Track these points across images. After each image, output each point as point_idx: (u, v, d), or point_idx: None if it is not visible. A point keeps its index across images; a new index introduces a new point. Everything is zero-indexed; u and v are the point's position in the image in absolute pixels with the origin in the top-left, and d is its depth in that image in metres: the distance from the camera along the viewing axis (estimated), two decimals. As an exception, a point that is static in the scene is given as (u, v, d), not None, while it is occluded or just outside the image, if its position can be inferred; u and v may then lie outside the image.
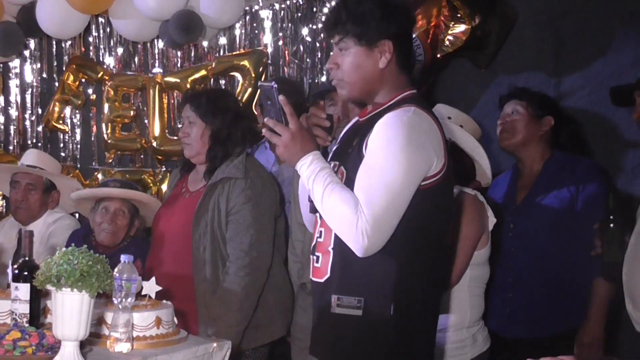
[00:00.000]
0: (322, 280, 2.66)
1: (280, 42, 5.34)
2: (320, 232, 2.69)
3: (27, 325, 2.65)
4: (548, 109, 3.97)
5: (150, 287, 2.72)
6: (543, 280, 3.78)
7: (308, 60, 5.29)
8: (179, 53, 5.53)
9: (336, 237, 2.59)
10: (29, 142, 5.76)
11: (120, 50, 5.61)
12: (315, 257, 2.70)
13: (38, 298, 2.73)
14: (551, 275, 3.77)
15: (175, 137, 5.22)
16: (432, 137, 2.55)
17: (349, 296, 2.58)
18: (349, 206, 2.48)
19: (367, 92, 2.68)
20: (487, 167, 3.54)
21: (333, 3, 5.08)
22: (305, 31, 5.27)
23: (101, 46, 5.63)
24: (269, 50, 5.35)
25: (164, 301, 2.81)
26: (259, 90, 5.12)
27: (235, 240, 3.61)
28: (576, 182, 3.77)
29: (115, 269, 2.52)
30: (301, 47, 5.29)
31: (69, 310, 2.33)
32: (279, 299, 3.80)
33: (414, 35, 4.67)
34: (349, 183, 2.56)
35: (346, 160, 2.66)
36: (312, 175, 2.57)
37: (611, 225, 3.34)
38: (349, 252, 2.54)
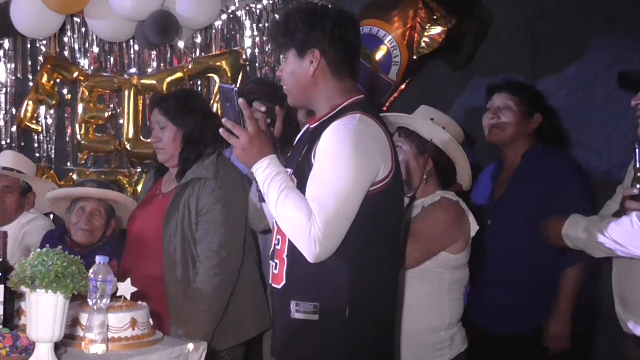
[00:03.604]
0: (279, 287, 2.73)
1: (257, 41, 5.34)
2: (278, 239, 2.75)
3: (0, 327, 2.63)
4: (537, 105, 3.98)
5: (126, 288, 2.71)
6: (525, 275, 3.80)
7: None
8: (154, 54, 5.50)
9: (289, 243, 2.66)
10: (3, 142, 5.70)
11: (95, 51, 5.58)
12: (274, 264, 2.77)
13: (12, 299, 2.70)
14: (533, 269, 3.79)
15: (149, 140, 5.19)
16: (379, 143, 2.63)
17: (306, 302, 2.65)
18: (303, 214, 2.54)
19: (304, 98, 2.79)
20: (468, 170, 3.54)
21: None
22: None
23: (76, 46, 5.60)
24: (246, 50, 5.34)
25: (139, 302, 2.79)
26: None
27: (205, 240, 3.60)
28: (554, 175, 3.79)
29: (90, 270, 2.50)
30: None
31: (43, 312, 2.31)
32: (251, 299, 3.78)
33: (388, 39, 4.69)
34: (300, 190, 2.63)
35: (296, 167, 2.74)
36: (267, 179, 2.64)
37: None
38: (302, 259, 2.60)
